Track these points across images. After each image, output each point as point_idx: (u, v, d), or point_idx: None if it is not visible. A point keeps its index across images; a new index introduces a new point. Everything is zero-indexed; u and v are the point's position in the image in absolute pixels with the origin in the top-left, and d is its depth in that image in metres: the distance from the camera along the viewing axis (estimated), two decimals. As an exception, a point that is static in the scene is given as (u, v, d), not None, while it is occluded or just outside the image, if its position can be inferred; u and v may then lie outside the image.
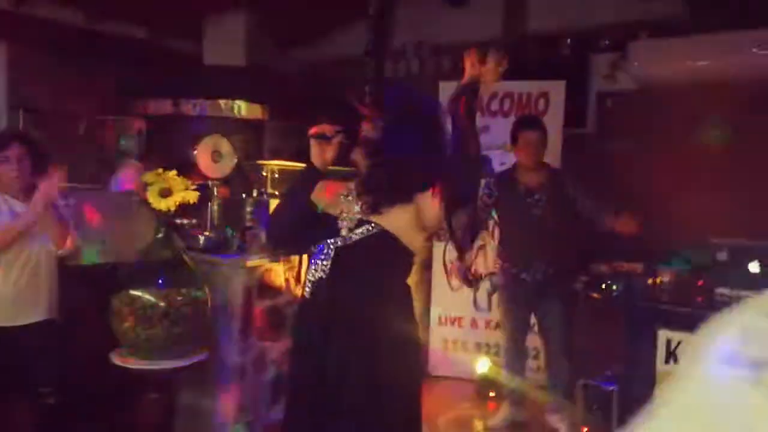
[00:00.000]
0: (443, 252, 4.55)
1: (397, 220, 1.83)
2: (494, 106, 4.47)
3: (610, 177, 4.74)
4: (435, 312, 4.62)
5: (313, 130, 1.88)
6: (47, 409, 2.63)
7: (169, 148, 4.51)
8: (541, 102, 4.40)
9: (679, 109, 4.28)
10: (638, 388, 2.38)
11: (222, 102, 5.17)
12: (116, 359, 2.65)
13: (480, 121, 4.45)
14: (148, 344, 2.62)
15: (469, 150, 1.85)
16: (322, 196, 1.99)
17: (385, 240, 1.82)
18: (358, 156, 1.93)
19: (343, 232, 1.84)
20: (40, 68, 4.99)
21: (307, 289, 1.88)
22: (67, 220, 2.70)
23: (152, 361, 2.65)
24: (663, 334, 2.35)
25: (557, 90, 4.39)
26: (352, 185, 1.95)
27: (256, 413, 3.15)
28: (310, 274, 1.87)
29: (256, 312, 3.11)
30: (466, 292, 4.55)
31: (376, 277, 1.86)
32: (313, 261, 1.88)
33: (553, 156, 4.33)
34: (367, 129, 1.89)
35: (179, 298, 2.68)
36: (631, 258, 4.15)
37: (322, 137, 1.86)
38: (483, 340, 4.50)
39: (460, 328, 4.57)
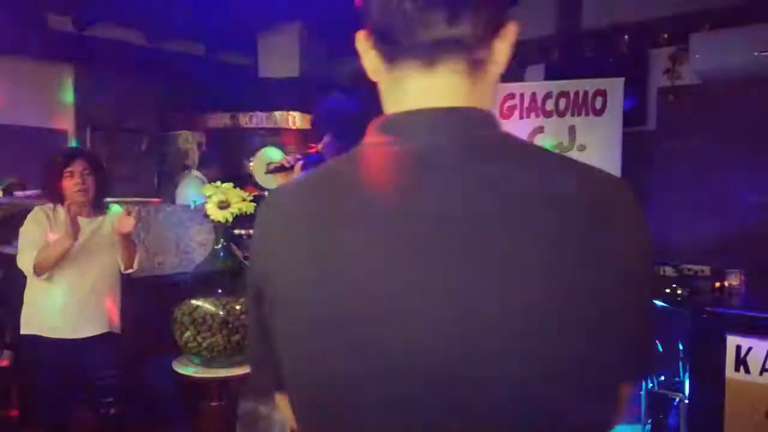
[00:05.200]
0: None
1: None
2: (549, 105, 4.36)
3: (674, 175, 4.57)
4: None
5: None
6: (109, 419, 2.71)
7: (227, 160, 4.61)
8: (599, 100, 4.27)
9: (744, 103, 4.09)
10: (707, 397, 2.27)
11: (277, 114, 5.26)
12: (178, 368, 2.73)
13: (535, 122, 4.41)
14: (209, 352, 2.67)
15: None
16: None
17: None
18: None
19: None
20: (105, 88, 5.21)
21: None
22: (135, 244, 2.80)
23: (213, 369, 2.71)
24: (732, 341, 2.22)
25: (616, 87, 4.25)
26: None
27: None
28: None
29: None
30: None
31: None
32: None
33: (613, 155, 4.21)
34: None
35: (237, 306, 2.73)
36: (698, 261, 3.98)
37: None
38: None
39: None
